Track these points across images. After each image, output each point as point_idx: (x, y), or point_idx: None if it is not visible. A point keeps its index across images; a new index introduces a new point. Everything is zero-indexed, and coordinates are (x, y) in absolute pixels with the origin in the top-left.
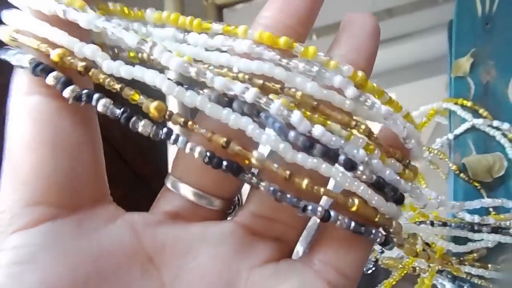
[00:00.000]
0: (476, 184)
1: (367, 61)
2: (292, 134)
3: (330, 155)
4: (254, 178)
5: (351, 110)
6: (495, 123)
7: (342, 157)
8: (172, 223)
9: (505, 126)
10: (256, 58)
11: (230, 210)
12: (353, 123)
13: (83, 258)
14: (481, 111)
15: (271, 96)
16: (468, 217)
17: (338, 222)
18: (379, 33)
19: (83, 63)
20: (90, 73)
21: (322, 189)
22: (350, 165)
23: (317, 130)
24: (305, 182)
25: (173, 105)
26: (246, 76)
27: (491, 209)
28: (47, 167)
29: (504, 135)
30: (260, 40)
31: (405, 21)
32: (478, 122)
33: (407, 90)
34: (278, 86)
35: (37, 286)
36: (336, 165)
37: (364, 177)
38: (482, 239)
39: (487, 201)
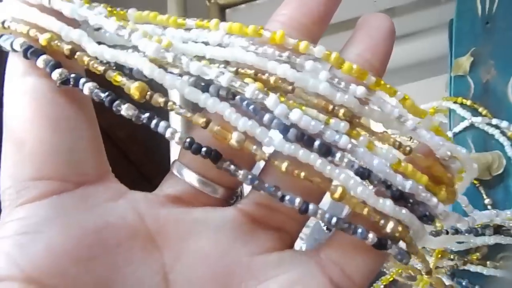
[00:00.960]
0: (475, 182)
1: (381, 61)
2: (266, 116)
3: (304, 140)
4: (232, 166)
5: (356, 109)
6: (494, 121)
7: (317, 142)
8: (174, 206)
9: (504, 124)
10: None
11: (232, 200)
12: (330, 107)
13: (87, 230)
14: (480, 109)
15: (246, 80)
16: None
17: (318, 216)
18: (394, 35)
19: (69, 46)
20: (75, 56)
21: (302, 173)
22: (325, 150)
23: (295, 114)
24: (284, 165)
25: (175, 97)
26: (221, 65)
27: (489, 207)
28: (50, 141)
29: (503, 133)
30: (230, 31)
31: (407, 20)
32: (477, 120)
33: (407, 90)
34: (251, 71)
35: (42, 254)
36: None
37: (343, 164)
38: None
39: (500, 214)
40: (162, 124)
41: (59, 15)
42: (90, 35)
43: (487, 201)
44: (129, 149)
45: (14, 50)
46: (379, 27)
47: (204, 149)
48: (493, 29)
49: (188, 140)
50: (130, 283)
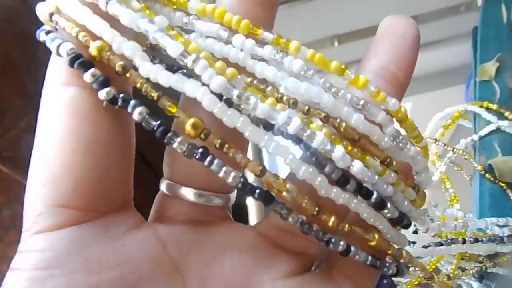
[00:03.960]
0: (502, 185)
1: (406, 74)
2: (328, 167)
3: (363, 193)
4: (285, 210)
5: (386, 148)
6: None
7: (375, 196)
8: (193, 231)
9: None
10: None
11: (229, 203)
12: (388, 160)
13: (108, 264)
14: (506, 114)
15: (314, 126)
16: (497, 231)
17: (357, 257)
18: (419, 42)
19: (121, 63)
20: (127, 75)
21: (346, 226)
22: (381, 205)
23: (357, 166)
24: (332, 220)
25: None
26: (290, 100)
27: None
28: (80, 165)
29: None
30: (311, 60)
31: (429, 29)
32: (504, 124)
33: (425, 99)
34: (323, 114)
35: None
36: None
37: (389, 215)
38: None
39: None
40: (217, 162)
41: (113, 20)
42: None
43: None
44: (148, 152)
45: (59, 55)
46: (404, 35)
47: (257, 191)
48: None
49: (242, 180)
50: None
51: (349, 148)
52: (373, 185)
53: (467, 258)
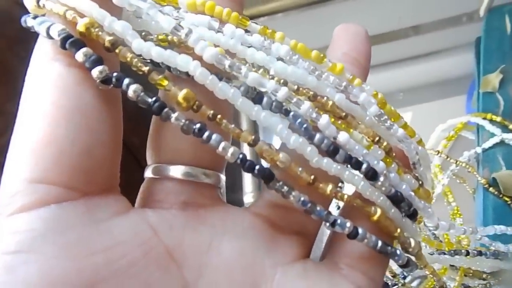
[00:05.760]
0: (507, 199)
1: (365, 60)
2: (317, 136)
3: (353, 163)
4: (285, 188)
5: (370, 125)
6: None
7: (365, 166)
8: (185, 215)
9: None
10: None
11: (220, 184)
12: (377, 138)
13: (91, 249)
14: (511, 126)
15: (301, 97)
16: (502, 247)
17: (365, 241)
18: (368, 38)
19: (110, 38)
20: (117, 50)
21: (345, 195)
22: (372, 174)
23: (342, 137)
24: (329, 188)
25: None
26: (281, 80)
27: None
28: (61, 137)
29: None
30: (294, 48)
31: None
32: (508, 136)
33: (427, 108)
34: (310, 92)
35: (36, 280)
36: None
37: (383, 188)
38: None
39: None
40: (215, 137)
41: (100, 1)
42: (131, 22)
43: None
44: (143, 156)
45: (50, 37)
46: (356, 32)
47: (257, 167)
48: None
49: (241, 156)
50: None
51: (333, 120)
52: (363, 157)
53: (470, 274)
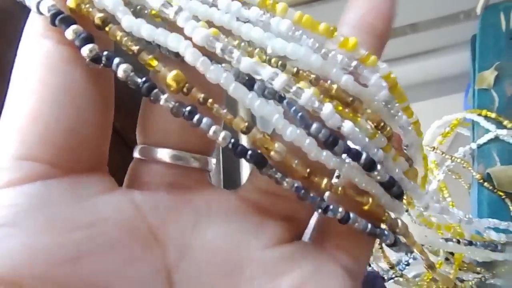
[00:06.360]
0: (501, 194)
1: (385, 25)
2: (314, 126)
3: (352, 154)
4: (279, 174)
5: (377, 111)
6: None
7: (364, 157)
8: (171, 197)
9: None
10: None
11: (208, 167)
12: (382, 124)
13: (74, 224)
14: (505, 122)
15: (301, 84)
16: (494, 236)
17: (356, 224)
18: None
19: (101, 15)
20: (107, 28)
21: (340, 188)
22: (370, 165)
23: (347, 126)
24: (324, 182)
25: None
26: (279, 61)
27: None
28: (47, 115)
29: None
30: (298, 22)
31: (428, 37)
32: (502, 133)
33: (425, 106)
34: (312, 76)
35: (19, 252)
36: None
37: (379, 177)
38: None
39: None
40: (205, 121)
41: None
42: None
43: None
44: (129, 137)
45: (40, 13)
46: None
47: (249, 152)
48: None
49: (233, 141)
50: (128, 286)
51: (340, 108)
52: (363, 147)
53: (465, 268)
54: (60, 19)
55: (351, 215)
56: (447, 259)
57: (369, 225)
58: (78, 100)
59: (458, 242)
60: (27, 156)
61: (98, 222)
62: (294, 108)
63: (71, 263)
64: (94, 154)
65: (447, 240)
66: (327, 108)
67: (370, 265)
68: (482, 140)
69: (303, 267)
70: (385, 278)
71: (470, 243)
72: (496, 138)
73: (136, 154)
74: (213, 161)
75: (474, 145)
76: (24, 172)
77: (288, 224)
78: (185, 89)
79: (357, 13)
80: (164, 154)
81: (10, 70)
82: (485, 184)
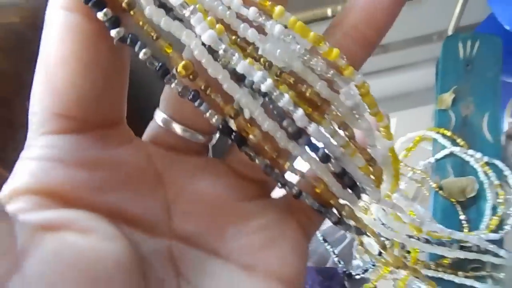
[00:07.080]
0: (453, 200)
1: (376, 34)
2: (285, 122)
3: (312, 147)
4: (253, 153)
5: (343, 115)
6: (470, 151)
7: (321, 151)
8: (177, 153)
9: (478, 155)
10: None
11: (211, 143)
12: (344, 125)
13: (100, 165)
14: (458, 140)
15: (282, 88)
16: (446, 232)
17: (306, 200)
18: (401, 4)
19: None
20: (132, 12)
21: (299, 171)
22: (325, 158)
23: (312, 128)
24: (287, 164)
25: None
26: (266, 62)
27: (464, 223)
28: (81, 86)
29: (477, 162)
30: (292, 27)
31: (399, 55)
32: (456, 149)
33: (398, 117)
34: (292, 79)
35: (61, 181)
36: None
37: (332, 169)
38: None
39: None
40: (204, 105)
41: None
42: None
43: (462, 217)
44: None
45: None
46: None
47: (234, 134)
48: (472, 70)
49: (222, 123)
50: (137, 212)
51: (310, 110)
52: (325, 144)
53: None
54: (93, 3)
55: (303, 193)
56: (404, 256)
57: (317, 204)
58: (105, 70)
59: (418, 239)
60: (64, 114)
61: (118, 165)
62: (274, 105)
63: (99, 192)
64: (116, 112)
65: (409, 236)
66: (299, 112)
67: (354, 258)
68: (439, 155)
69: (267, 216)
70: (352, 274)
71: (427, 241)
72: (451, 154)
73: (158, 120)
74: (216, 137)
75: (432, 159)
76: (62, 126)
77: (260, 185)
78: (191, 76)
79: (351, 19)
80: (177, 127)
81: (29, 89)
82: (440, 192)
